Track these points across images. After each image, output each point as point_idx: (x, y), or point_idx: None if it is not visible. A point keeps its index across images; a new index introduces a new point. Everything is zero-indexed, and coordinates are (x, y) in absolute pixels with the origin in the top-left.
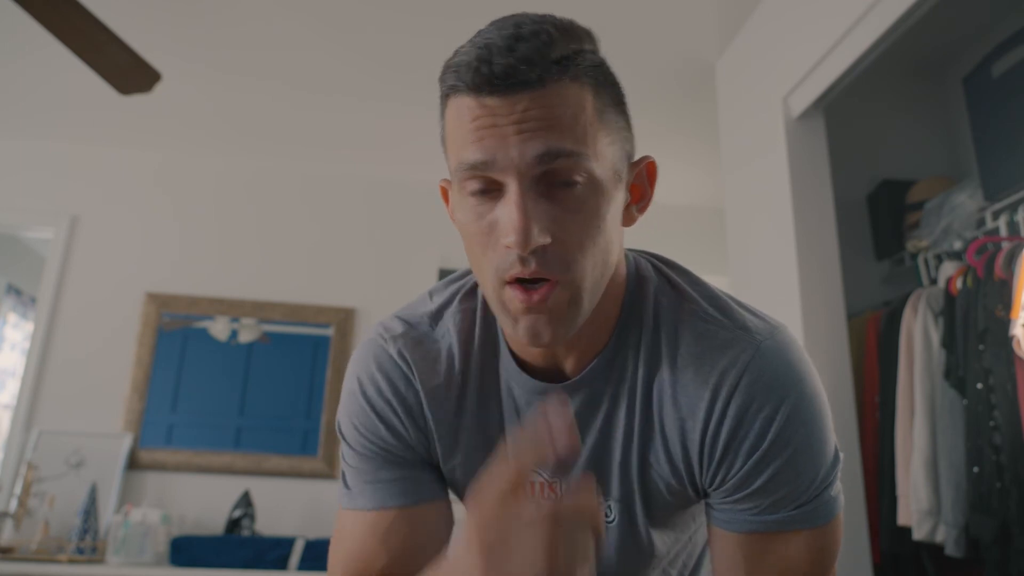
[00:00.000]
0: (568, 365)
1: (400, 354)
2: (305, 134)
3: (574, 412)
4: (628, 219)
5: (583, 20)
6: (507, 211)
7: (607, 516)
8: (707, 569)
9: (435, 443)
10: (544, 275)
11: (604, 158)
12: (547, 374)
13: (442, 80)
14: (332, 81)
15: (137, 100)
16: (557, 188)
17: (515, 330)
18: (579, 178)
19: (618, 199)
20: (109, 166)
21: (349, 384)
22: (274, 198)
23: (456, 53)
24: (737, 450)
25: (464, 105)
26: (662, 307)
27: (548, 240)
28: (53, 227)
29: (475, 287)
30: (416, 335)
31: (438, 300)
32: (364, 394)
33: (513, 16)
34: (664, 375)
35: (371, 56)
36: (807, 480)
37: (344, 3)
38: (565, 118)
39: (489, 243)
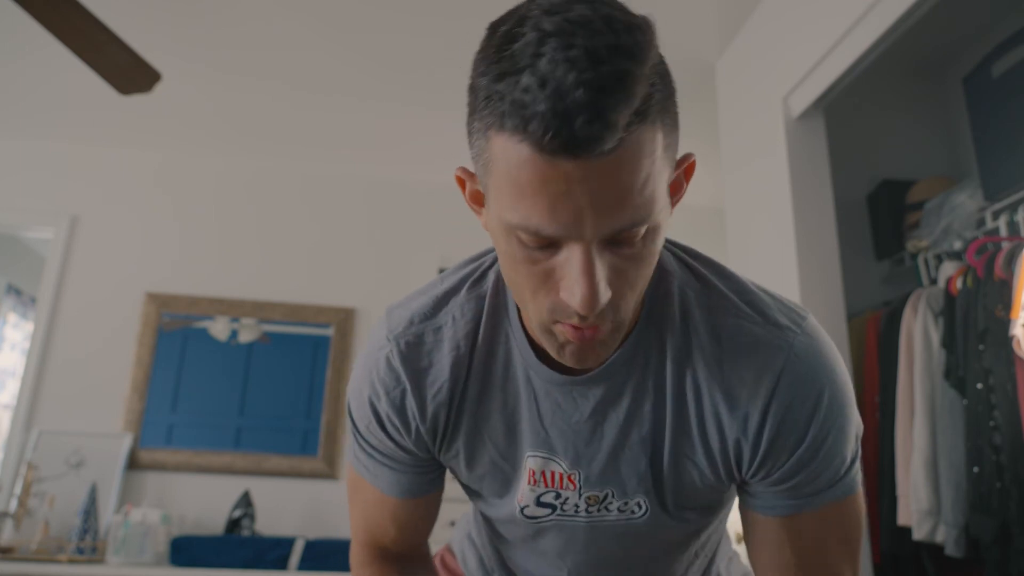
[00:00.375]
0: None
1: (401, 360)
2: (305, 134)
3: (594, 405)
4: None
5: None
6: (572, 272)
7: (635, 512)
8: (724, 548)
9: (433, 438)
10: (599, 323)
11: (664, 191)
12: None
13: (491, 108)
14: (332, 81)
15: (137, 100)
16: (620, 243)
17: (559, 354)
18: (642, 234)
19: (668, 214)
20: (109, 166)
21: (358, 375)
22: (274, 198)
23: (505, 74)
24: (782, 447)
25: (529, 158)
26: (689, 300)
27: (610, 294)
28: (53, 227)
29: (485, 272)
30: (417, 331)
31: (447, 284)
32: (368, 397)
33: (578, 28)
34: (698, 371)
35: (371, 56)
36: (842, 460)
37: (344, 3)
38: (638, 183)
39: (543, 287)
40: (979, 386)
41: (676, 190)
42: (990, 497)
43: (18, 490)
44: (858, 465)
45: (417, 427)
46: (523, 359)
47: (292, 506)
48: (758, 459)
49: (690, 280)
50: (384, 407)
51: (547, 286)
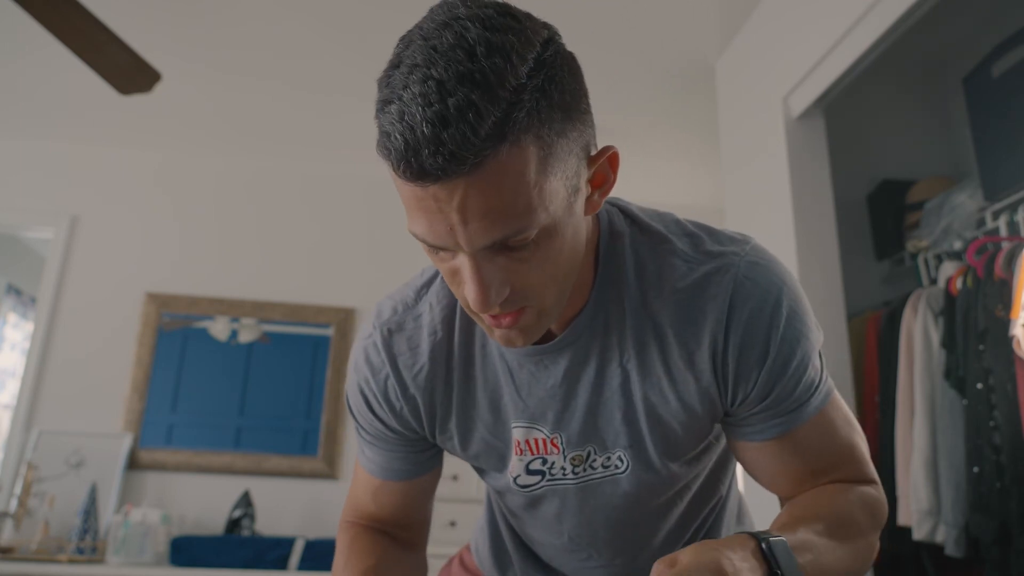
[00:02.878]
0: (553, 325)
1: (384, 346)
2: (305, 134)
3: (564, 369)
4: (591, 207)
5: (583, 22)
6: (463, 275)
7: (617, 467)
8: (731, 507)
9: (424, 421)
10: (509, 312)
11: (555, 196)
12: None
13: (377, 130)
14: (332, 81)
15: (137, 100)
16: (510, 248)
17: (491, 337)
18: (529, 237)
19: (576, 211)
20: (109, 166)
21: (350, 364)
22: (274, 198)
23: (384, 102)
24: (750, 363)
25: (400, 179)
26: (641, 256)
27: (507, 291)
28: (53, 227)
29: None
30: (399, 319)
31: (427, 275)
32: (358, 384)
33: (439, 58)
34: (658, 319)
35: (371, 56)
36: (815, 368)
37: (344, 4)
38: (506, 197)
39: (453, 281)
40: (979, 386)
41: (602, 181)
42: (990, 497)
43: (18, 490)
44: (827, 372)
45: (401, 408)
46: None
47: (292, 506)
48: (731, 381)
49: (639, 236)
50: (371, 390)
51: (455, 281)
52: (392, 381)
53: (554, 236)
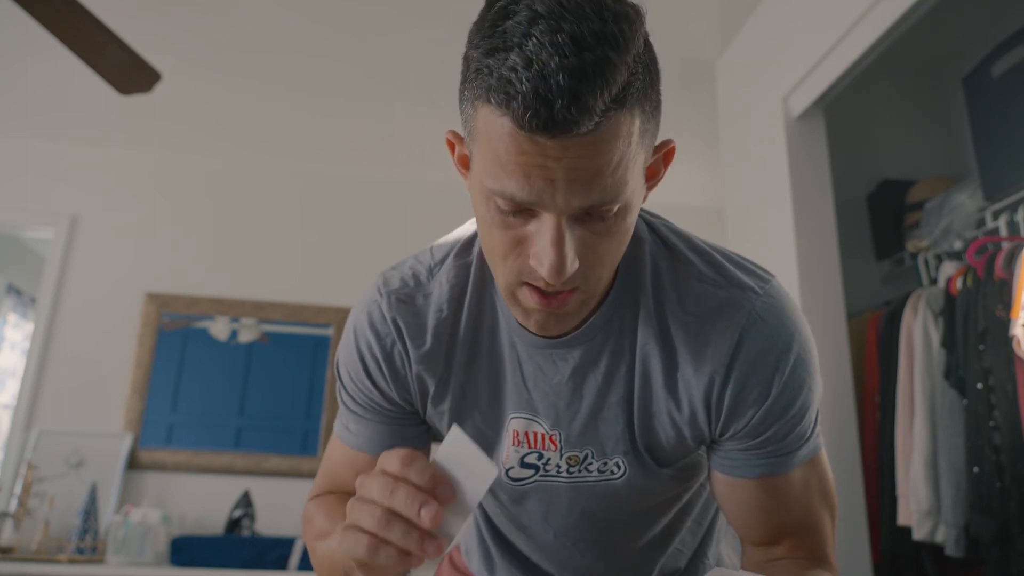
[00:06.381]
0: None
1: (394, 311)
2: (306, 135)
3: (573, 367)
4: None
5: None
6: (542, 241)
7: (614, 473)
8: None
9: (420, 396)
10: (567, 289)
11: (638, 173)
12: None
13: (479, 81)
14: (332, 83)
15: (136, 102)
16: (592, 218)
17: (524, 320)
18: (615, 211)
19: (642, 195)
20: (109, 167)
21: (348, 330)
22: (274, 199)
23: (496, 50)
24: (746, 403)
25: (509, 132)
26: (659, 267)
27: (577, 266)
28: (53, 227)
29: (471, 242)
30: (408, 292)
31: (438, 255)
32: (357, 347)
33: (567, 13)
34: (667, 335)
35: (371, 58)
36: (808, 420)
37: (342, 5)
38: (612, 163)
39: (513, 251)
40: (979, 386)
41: (653, 174)
42: (990, 497)
43: (18, 490)
44: (819, 428)
45: (406, 375)
46: (507, 324)
47: (292, 506)
48: (723, 415)
49: (659, 247)
50: (373, 355)
51: (517, 251)
52: (399, 348)
53: (627, 215)
